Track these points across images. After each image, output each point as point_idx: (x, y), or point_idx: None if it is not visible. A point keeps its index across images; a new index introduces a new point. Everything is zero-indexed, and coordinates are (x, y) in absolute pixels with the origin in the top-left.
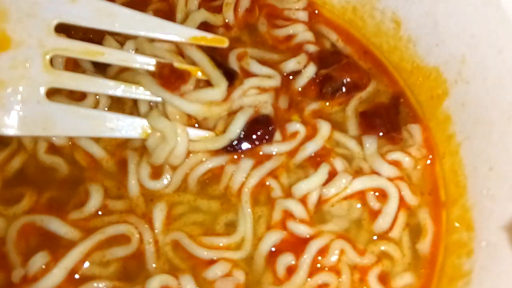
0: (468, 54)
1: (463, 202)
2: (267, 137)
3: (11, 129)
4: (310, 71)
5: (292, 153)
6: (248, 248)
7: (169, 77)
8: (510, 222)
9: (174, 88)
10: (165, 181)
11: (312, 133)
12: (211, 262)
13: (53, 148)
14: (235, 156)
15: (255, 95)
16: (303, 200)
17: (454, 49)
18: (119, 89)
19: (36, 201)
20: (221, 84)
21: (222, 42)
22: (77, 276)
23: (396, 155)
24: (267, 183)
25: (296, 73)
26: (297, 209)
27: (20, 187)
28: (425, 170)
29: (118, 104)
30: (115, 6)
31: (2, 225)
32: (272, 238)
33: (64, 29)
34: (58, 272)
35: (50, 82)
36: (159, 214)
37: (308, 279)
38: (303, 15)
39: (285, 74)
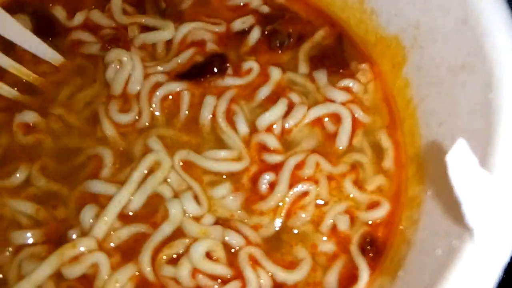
0: (422, 19)
1: (417, 162)
2: (219, 71)
3: None
4: (255, 33)
5: (249, 97)
6: (247, 159)
7: None
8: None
9: None
10: (133, 114)
11: (265, 79)
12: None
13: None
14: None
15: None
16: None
17: (410, 16)
18: None
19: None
20: (169, 26)
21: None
22: None
23: (345, 82)
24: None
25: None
26: (270, 140)
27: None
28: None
29: None
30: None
31: None
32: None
33: None
34: None
35: None
36: (155, 144)
37: (289, 191)
38: None
39: (235, 32)
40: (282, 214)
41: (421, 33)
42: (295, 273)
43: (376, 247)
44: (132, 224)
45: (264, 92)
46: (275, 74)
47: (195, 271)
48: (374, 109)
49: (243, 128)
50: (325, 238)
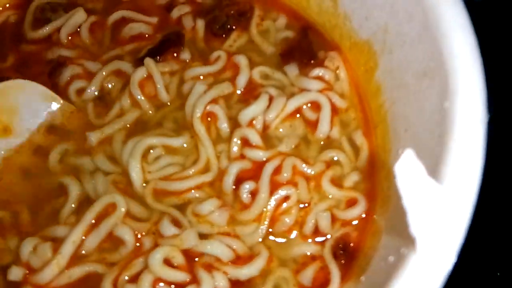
0: (389, 23)
1: (388, 166)
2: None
3: None
4: (200, 24)
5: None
6: (215, 168)
7: None
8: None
9: None
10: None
11: (236, 71)
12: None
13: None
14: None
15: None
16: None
17: (379, 19)
18: None
19: None
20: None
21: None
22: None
23: (316, 71)
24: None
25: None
26: (252, 135)
27: None
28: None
29: None
30: None
31: None
32: (234, 168)
33: None
34: None
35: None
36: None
37: (271, 198)
38: None
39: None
40: (266, 222)
41: (390, 37)
42: (246, 268)
43: (348, 253)
44: (86, 264)
45: (242, 81)
46: (243, 60)
47: (155, 282)
48: (348, 100)
49: (225, 127)
50: (310, 240)
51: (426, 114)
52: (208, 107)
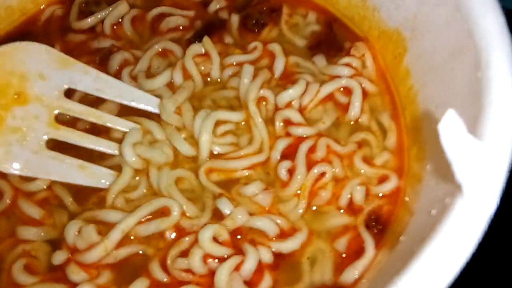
0: (418, 12)
1: (419, 142)
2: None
3: (14, 169)
4: (234, 18)
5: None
6: (267, 150)
7: None
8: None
9: None
10: None
11: (272, 59)
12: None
13: None
14: None
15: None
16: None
17: (408, 9)
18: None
19: None
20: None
21: None
22: None
23: (344, 60)
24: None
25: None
26: (293, 115)
27: None
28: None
29: None
30: (114, 80)
31: None
32: (281, 144)
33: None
34: None
35: (51, 135)
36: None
37: (308, 174)
38: None
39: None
40: (306, 196)
41: (419, 24)
42: (289, 242)
43: (380, 224)
44: (132, 245)
45: (280, 66)
46: (276, 47)
47: (205, 257)
48: (376, 84)
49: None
50: (343, 212)
51: (457, 87)
52: (261, 91)
